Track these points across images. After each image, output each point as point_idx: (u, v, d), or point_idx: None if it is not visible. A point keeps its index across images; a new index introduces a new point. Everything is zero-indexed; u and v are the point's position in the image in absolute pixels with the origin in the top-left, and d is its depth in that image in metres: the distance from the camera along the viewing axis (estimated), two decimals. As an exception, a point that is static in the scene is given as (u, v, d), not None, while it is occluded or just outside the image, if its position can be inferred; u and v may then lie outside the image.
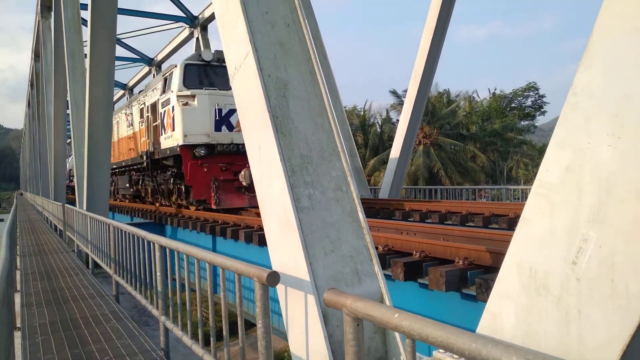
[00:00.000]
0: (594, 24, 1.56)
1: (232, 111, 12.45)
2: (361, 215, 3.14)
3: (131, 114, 17.67)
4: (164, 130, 13.52)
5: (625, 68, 1.45)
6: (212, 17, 21.24)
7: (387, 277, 5.25)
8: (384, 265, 5.44)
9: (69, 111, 14.31)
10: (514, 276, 1.66)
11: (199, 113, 12.32)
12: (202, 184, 12.23)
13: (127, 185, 18.71)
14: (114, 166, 19.71)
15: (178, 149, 12.35)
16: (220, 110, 12.40)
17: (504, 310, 1.67)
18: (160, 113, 13.84)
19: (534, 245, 1.64)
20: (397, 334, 2.79)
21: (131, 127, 17.61)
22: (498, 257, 4.54)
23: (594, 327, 1.44)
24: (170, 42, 25.71)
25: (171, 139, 12.87)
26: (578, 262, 1.50)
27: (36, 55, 26.33)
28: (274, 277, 2.42)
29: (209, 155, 12.35)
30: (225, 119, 12.53)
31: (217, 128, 12.42)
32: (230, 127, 12.57)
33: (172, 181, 13.99)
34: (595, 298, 1.45)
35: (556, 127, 1.63)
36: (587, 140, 1.54)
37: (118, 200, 21.47)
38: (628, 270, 1.40)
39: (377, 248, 5.91)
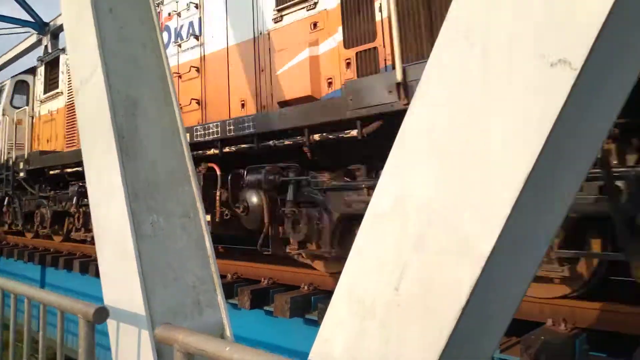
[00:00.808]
0: (422, 73, 1.74)
1: None
2: (208, 243, 3.04)
3: None
4: None
5: (443, 112, 1.64)
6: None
7: (234, 305, 5.27)
8: (232, 293, 5.41)
9: None
10: (345, 302, 1.74)
11: None
12: None
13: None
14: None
15: None
16: None
17: (335, 335, 1.73)
18: None
19: (364, 271, 1.74)
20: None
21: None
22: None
23: (411, 348, 1.56)
24: (13, 48, 22.94)
25: None
26: (400, 288, 1.62)
27: None
28: (101, 314, 2.22)
29: None
30: None
31: None
32: None
33: None
34: (413, 321, 1.57)
35: (388, 159, 1.77)
36: (413, 174, 1.69)
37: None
38: (441, 294, 1.54)
39: (226, 277, 5.86)
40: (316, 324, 4.59)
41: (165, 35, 7.33)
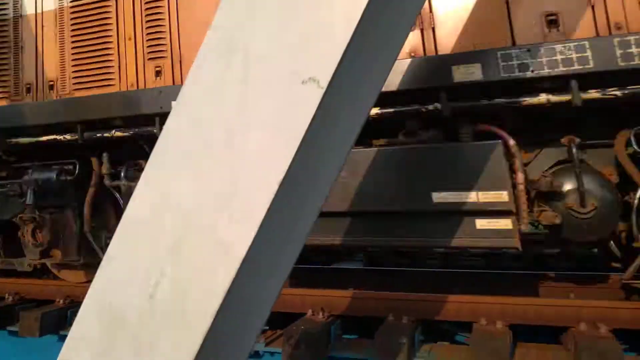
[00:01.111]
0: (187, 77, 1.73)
1: None
2: None
3: None
4: None
5: (203, 119, 1.65)
6: None
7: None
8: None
9: None
10: (93, 316, 1.60)
11: None
12: None
13: None
14: None
15: None
16: None
17: (79, 354, 1.57)
18: None
19: (116, 282, 1.63)
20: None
21: None
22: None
23: (164, 355, 1.52)
24: None
25: None
26: (155, 295, 1.56)
27: None
28: None
29: None
30: None
31: None
32: None
33: None
34: (168, 328, 1.54)
35: (146, 165, 1.70)
36: (171, 180, 1.65)
37: None
38: (196, 298, 1.55)
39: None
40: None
41: None
